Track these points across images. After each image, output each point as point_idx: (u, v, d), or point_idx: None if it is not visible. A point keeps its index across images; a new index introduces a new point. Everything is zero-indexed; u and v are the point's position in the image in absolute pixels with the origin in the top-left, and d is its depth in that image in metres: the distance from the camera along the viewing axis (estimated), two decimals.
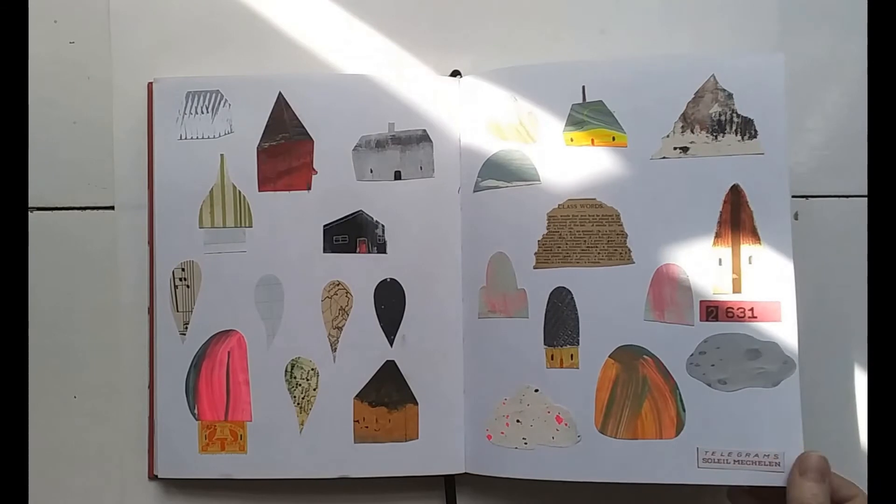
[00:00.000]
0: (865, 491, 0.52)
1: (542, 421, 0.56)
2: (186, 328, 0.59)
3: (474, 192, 0.59)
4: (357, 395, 0.59)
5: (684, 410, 0.56)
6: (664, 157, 0.57)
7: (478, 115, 0.59)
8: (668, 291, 0.56)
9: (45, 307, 0.61)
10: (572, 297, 0.56)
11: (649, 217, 0.56)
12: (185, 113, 0.60)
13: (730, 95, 0.57)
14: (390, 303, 0.59)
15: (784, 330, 0.55)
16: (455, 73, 0.61)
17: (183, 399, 0.59)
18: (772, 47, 0.62)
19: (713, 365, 0.55)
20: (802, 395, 0.54)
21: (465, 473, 0.58)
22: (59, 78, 0.62)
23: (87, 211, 0.62)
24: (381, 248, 0.59)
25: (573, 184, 0.57)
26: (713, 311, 0.56)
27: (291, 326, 0.59)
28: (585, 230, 0.56)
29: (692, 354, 0.56)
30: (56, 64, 0.62)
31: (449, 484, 0.60)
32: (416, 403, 0.59)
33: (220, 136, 0.60)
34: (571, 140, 0.57)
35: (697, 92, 0.57)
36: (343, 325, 0.59)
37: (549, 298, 0.56)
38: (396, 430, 0.59)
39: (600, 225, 0.57)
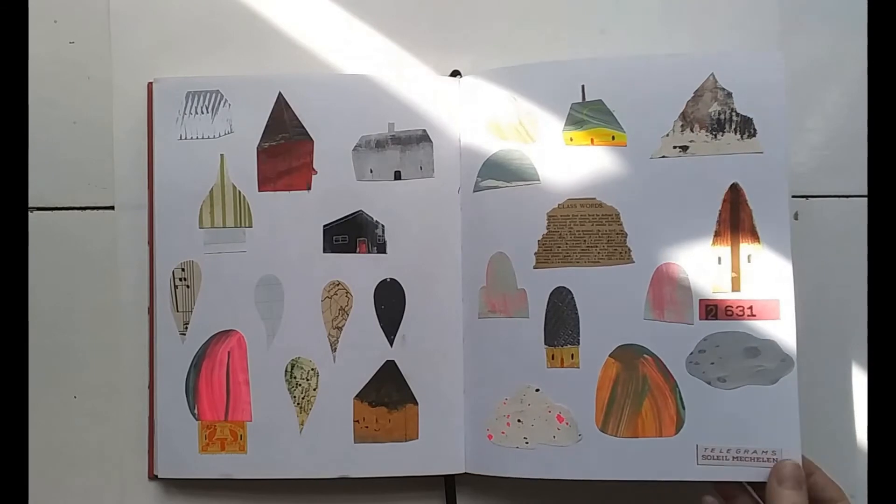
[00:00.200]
0: (864, 489, 0.52)
1: (543, 420, 0.56)
2: (186, 328, 0.59)
3: (474, 192, 0.59)
4: (357, 395, 0.59)
5: (684, 408, 0.56)
6: (664, 156, 0.57)
7: (478, 115, 0.59)
8: (667, 290, 0.56)
9: (45, 307, 0.61)
10: (572, 297, 0.56)
11: (649, 216, 0.56)
12: (185, 113, 0.60)
13: (729, 94, 0.57)
14: (390, 303, 0.59)
15: (782, 328, 0.55)
16: (455, 73, 0.61)
17: (183, 399, 0.59)
18: (772, 47, 0.62)
19: (713, 363, 0.56)
20: (802, 393, 0.54)
21: (465, 473, 0.58)
22: (59, 78, 0.62)
23: (87, 211, 0.62)
24: (381, 248, 0.59)
25: (573, 183, 0.57)
26: (712, 309, 0.56)
27: (291, 326, 0.59)
28: (585, 230, 0.57)
29: (692, 353, 0.56)
30: (56, 64, 0.62)
31: (449, 484, 0.60)
32: (416, 403, 0.59)
33: (220, 136, 0.60)
34: (571, 139, 0.57)
35: (697, 91, 0.57)
36: (343, 325, 0.59)
37: (550, 298, 0.56)
38: (396, 430, 0.59)
39: (600, 224, 0.57)
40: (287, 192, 0.60)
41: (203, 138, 0.60)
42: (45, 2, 0.62)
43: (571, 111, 0.57)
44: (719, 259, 0.56)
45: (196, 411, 0.59)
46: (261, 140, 0.60)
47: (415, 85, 0.60)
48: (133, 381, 0.61)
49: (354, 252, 0.59)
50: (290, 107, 0.60)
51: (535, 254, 0.57)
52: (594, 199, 0.57)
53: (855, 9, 0.60)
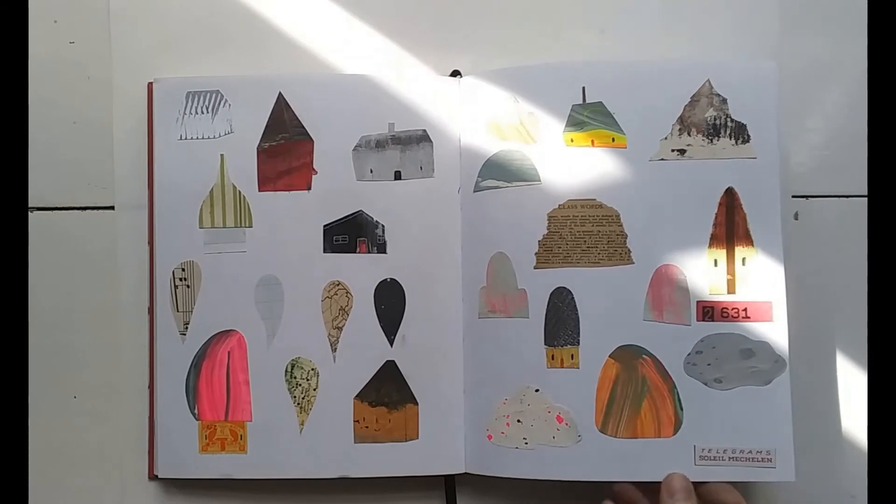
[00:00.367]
0: (864, 490, 0.52)
1: (543, 421, 0.56)
2: (186, 328, 0.59)
3: (474, 192, 0.59)
4: (357, 395, 0.59)
5: (682, 409, 0.56)
6: (662, 159, 0.57)
7: (478, 115, 0.59)
8: (666, 292, 0.57)
9: (45, 307, 0.61)
10: (573, 297, 0.56)
11: (648, 218, 0.57)
12: (185, 113, 0.60)
13: (724, 100, 0.57)
14: (390, 303, 0.59)
15: (775, 330, 0.56)
16: (455, 73, 0.61)
17: (183, 399, 0.59)
18: (772, 47, 0.62)
19: (709, 364, 0.56)
20: (803, 392, 0.55)
21: (465, 473, 0.58)
22: (59, 78, 0.62)
23: (87, 211, 0.62)
24: (381, 248, 0.59)
25: (573, 184, 0.57)
26: (709, 311, 0.57)
27: (291, 326, 0.59)
28: (586, 230, 0.57)
29: (689, 354, 0.56)
30: (56, 64, 0.62)
31: (449, 484, 0.60)
32: (416, 403, 0.59)
33: (220, 136, 0.60)
34: (572, 141, 0.57)
35: (693, 96, 0.57)
36: (343, 325, 0.59)
37: (550, 298, 0.57)
38: (396, 430, 0.59)
39: (600, 225, 0.57)
40: (287, 192, 0.60)
41: (203, 138, 0.60)
42: (45, 2, 0.62)
43: (572, 113, 0.57)
44: (715, 261, 0.57)
45: (196, 411, 0.59)
46: (261, 140, 0.60)
47: (415, 85, 0.60)
48: (133, 381, 0.61)
49: (354, 252, 0.59)
50: (290, 107, 0.60)
51: (536, 254, 0.57)
52: (594, 199, 0.57)
53: (855, 9, 0.60)
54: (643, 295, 0.56)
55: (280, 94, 0.60)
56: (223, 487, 0.60)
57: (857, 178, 0.60)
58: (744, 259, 0.57)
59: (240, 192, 0.60)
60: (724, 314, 0.56)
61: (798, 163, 0.61)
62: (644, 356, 0.56)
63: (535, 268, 0.57)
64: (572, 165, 0.57)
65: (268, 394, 0.59)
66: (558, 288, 0.57)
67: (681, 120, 0.57)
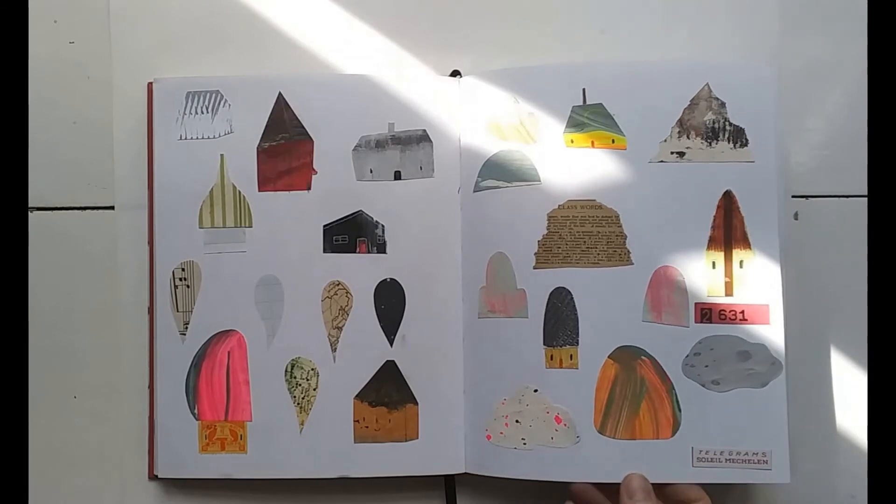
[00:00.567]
0: (864, 490, 0.52)
1: (542, 421, 0.56)
2: (186, 328, 0.59)
3: (474, 192, 0.59)
4: (357, 395, 0.59)
5: (680, 411, 0.56)
6: (662, 161, 0.57)
7: (478, 115, 0.59)
8: (665, 293, 0.57)
9: (45, 307, 0.61)
10: (572, 298, 0.56)
11: (648, 219, 0.57)
12: (185, 113, 0.60)
13: (723, 104, 0.57)
14: (390, 303, 0.59)
15: (772, 332, 0.56)
16: (455, 73, 0.61)
17: (183, 399, 0.59)
18: (772, 47, 0.62)
19: (707, 366, 0.56)
20: (803, 393, 0.55)
21: (465, 473, 0.58)
22: (59, 78, 0.62)
23: (87, 211, 0.62)
24: (381, 248, 0.59)
25: (573, 185, 0.57)
26: (707, 313, 0.57)
27: (291, 326, 0.59)
28: (585, 231, 0.57)
29: (687, 355, 0.56)
30: (56, 64, 0.62)
31: (449, 484, 0.60)
32: (416, 403, 0.59)
33: (220, 136, 0.60)
34: (572, 141, 0.57)
35: (693, 99, 0.58)
36: (343, 325, 0.59)
37: (549, 299, 0.57)
38: (396, 430, 0.59)
39: (600, 226, 0.57)
40: (287, 192, 0.60)
41: (203, 138, 0.60)
42: (45, 2, 0.62)
43: (572, 114, 0.58)
44: (714, 263, 0.57)
45: (196, 411, 0.59)
46: (261, 140, 0.60)
47: (415, 85, 0.60)
48: (133, 381, 0.61)
49: (354, 252, 0.59)
50: (290, 107, 0.60)
51: (535, 254, 0.57)
52: (594, 200, 0.57)
53: (855, 9, 0.60)
54: (642, 296, 0.56)
55: (280, 94, 0.60)
56: (223, 487, 0.60)
57: (857, 178, 0.60)
58: (741, 262, 0.57)
59: (240, 192, 0.60)
60: (722, 316, 0.57)
61: (798, 163, 0.61)
62: (643, 357, 0.56)
63: (535, 268, 0.57)
64: (572, 166, 0.57)
65: (268, 394, 0.59)
66: (557, 288, 0.57)
67: (680, 123, 0.57)
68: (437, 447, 0.59)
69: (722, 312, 0.57)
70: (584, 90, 0.58)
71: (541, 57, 0.60)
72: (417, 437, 0.59)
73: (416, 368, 0.59)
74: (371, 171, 0.60)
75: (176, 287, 0.59)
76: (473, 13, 0.63)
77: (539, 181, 0.57)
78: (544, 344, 0.56)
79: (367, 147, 0.60)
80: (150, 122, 0.60)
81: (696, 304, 0.57)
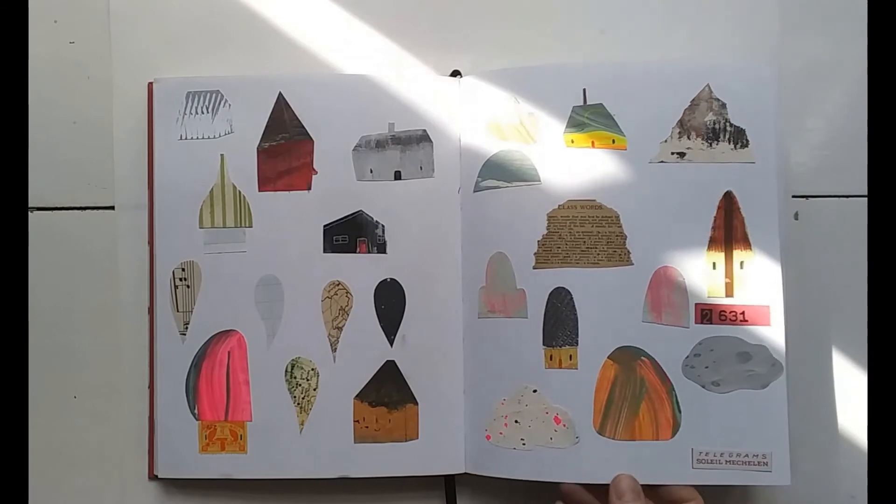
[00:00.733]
0: (864, 490, 0.52)
1: (541, 422, 0.56)
2: (186, 328, 0.59)
3: (474, 192, 0.59)
4: (357, 395, 0.59)
5: (680, 412, 0.56)
6: (662, 161, 0.57)
7: (478, 115, 0.59)
8: (665, 293, 0.57)
9: (45, 307, 0.61)
10: (571, 298, 0.56)
11: (648, 219, 0.57)
12: (185, 113, 0.60)
13: (723, 105, 0.57)
14: (390, 303, 0.59)
15: (773, 333, 0.56)
16: (455, 73, 0.61)
17: (183, 399, 0.59)
18: (772, 47, 0.62)
19: (707, 367, 0.56)
20: (802, 393, 0.55)
21: (465, 473, 0.58)
22: (59, 78, 0.62)
23: (87, 211, 0.62)
24: (381, 248, 0.59)
25: (573, 185, 0.57)
26: (707, 313, 0.57)
27: (291, 326, 0.59)
28: (585, 231, 0.57)
29: (687, 356, 0.56)
30: (56, 64, 0.62)
31: (449, 484, 0.60)
32: (416, 403, 0.59)
33: (220, 136, 0.60)
34: (572, 142, 0.57)
35: (693, 100, 0.58)
36: (343, 325, 0.59)
37: (549, 299, 0.56)
38: (396, 430, 0.59)
39: (600, 226, 0.57)
40: (287, 192, 0.60)
41: (203, 138, 0.60)
42: (45, 2, 0.62)
43: (573, 114, 0.57)
44: (714, 264, 0.57)
45: (196, 411, 0.59)
46: (261, 140, 0.60)
47: (415, 85, 0.60)
48: (133, 381, 0.61)
49: (354, 252, 0.59)
50: (290, 107, 0.60)
51: (535, 254, 0.57)
52: (594, 200, 0.57)
53: (855, 9, 0.60)
54: (642, 296, 0.56)
55: (280, 94, 0.60)
56: (223, 487, 0.60)
57: (857, 178, 0.60)
58: (742, 262, 0.57)
59: (240, 192, 0.60)
60: (723, 317, 0.56)
61: (798, 163, 0.61)
62: (643, 357, 0.56)
63: (535, 268, 0.57)
64: (572, 166, 0.57)
65: (268, 394, 0.59)
66: (557, 288, 0.56)
67: (680, 123, 0.57)
68: (437, 447, 0.59)
69: (722, 313, 0.56)
70: (584, 90, 0.58)
71: (541, 57, 0.60)
72: (417, 437, 0.59)
73: (416, 368, 0.59)
74: (371, 171, 0.60)
75: (176, 287, 0.59)
76: (473, 13, 0.63)
77: (539, 181, 0.57)
78: (544, 344, 0.56)
79: (368, 147, 0.60)
80: (150, 122, 0.60)
81: (696, 304, 0.57)
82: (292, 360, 0.59)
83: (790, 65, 0.57)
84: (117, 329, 0.61)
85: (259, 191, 0.60)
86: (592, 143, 0.57)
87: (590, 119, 0.57)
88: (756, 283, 0.56)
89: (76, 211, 0.62)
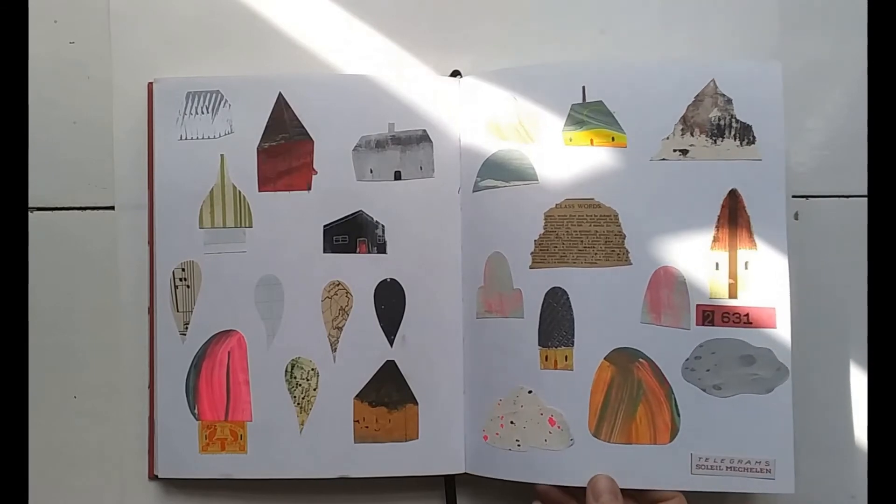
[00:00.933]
0: (864, 491, 0.52)
1: (535, 423, 0.56)
2: (186, 328, 0.59)
3: (473, 192, 0.58)
4: (357, 395, 0.59)
5: (679, 416, 0.55)
6: (664, 159, 0.57)
7: (478, 115, 0.59)
8: (665, 294, 0.56)
9: (45, 307, 0.61)
10: (568, 298, 0.56)
11: (648, 218, 0.56)
12: (185, 113, 0.60)
13: (729, 101, 0.57)
14: (390, 303, 0.59)
15: (779, 337, 0.55)
16: (455, 73, 0.61)
17: (183, 399, 0.59)
18: (772, 47, 0.62)
19: (708, 370, 0.55)
20: (801, 393, 0.54)
21: (465, 473, 0.58)
22: (59, 78, 0.62)
23: (87, 211, 0.62)
24: (381, 248, 0.59)
25: (571, 183, 0.57)
26: (709, 315, 0.56)
27: (291, 326, 0.59)
28: (583, 230, 0.56)
29: (688, 359, 0.56)
30: (56, 64, 0.62)
31: (449, 484, 0.60)
32: (416, 403, 0.59)
33: (220, 136, 0.60)
34: (570, 140, 0.57)
35: (697, 96, 0.57)
36: (343, 325, 0.59)
37: (545, 299, 0.56)
38: (396, 430, 0.59)
39: (598, 225, 0.56)
40: (287, 192, 0.60)
41: (203, 138, 0.60)
42: (45, 2, 0.62)
43: (572, 112, 0.57)
44: (717, 264, 0.56)
45: (196, 411, 0.59)
46: (261, 140, 0.60)
47: (415, 85, 0.60)
48: (133, 381, 0.61)
49: (354, 252, 0.59)
50: (290, 107, 0.60)
51: (532, 254, 0.57)
52: (592, 199, 0.57)
53: (855, 9, 0.59)
54: (641, 297, 0.56)
55: (280, 94, 0.60)
56: (223, 487, 0.60)
57: (857, 178, 0.60)
58: (746, 263, 0.56)
59: (240, 192, 0.60)
60: (725, 319, 0.56)
61: (798, 163, 0.61)
62: (640, 360, 0.56)
63: (531, 267, 0.57)
64: (571, 164, 0.57)
65: (268, 394, 0.59)
66: (553, 288, 0.56)
67: (684, 120, 0.57)
68: (437, 447, 0.59)
69: (725, 315, 0.56)
70: (583, 88, 0.57)
71: (541, 57, 0.61)
72: (417, 437, 0.59)
73: (416, 368, 0.59)
74: (371, 171, 0.60)
75: (176, 287, 0.59)
76: (473, 13, 0.63)
77: (537, 180, 0.57)
78: (539, 344, 0.56)
79: (368, 147, 0.60)
80: (150, 122, 0.60)
81: (697, 305, 0.56)
82: (292, 360, 0.59)
83: (790, 65, 0.57)
84: (117, 329, 0.61)
85: (259, 191, 0.60)
86: (591, 140, 0.57)
87: (589, 117, 0.57)
88: (761, 284, 0.56)
89: (76, 211, 0.62)
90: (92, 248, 0.62)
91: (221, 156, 0.60)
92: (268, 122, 0.60)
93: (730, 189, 0.56)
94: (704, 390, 0.55)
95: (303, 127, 0.60)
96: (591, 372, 0.56)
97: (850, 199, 0.61)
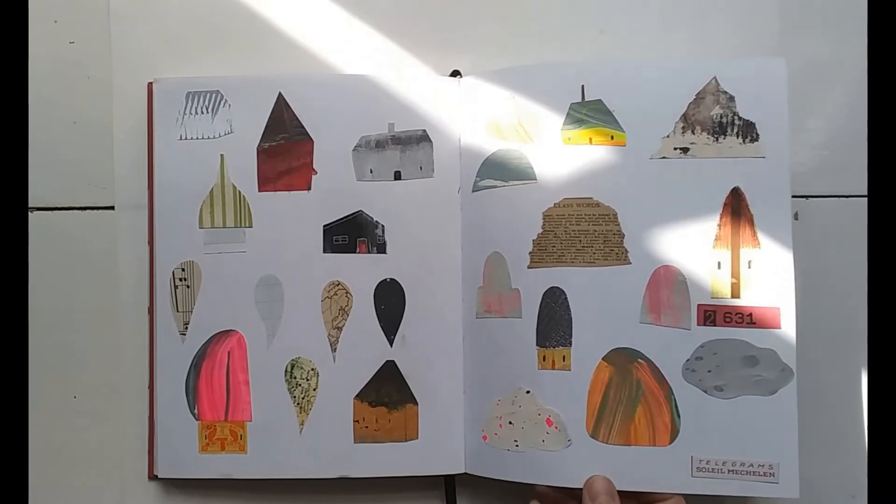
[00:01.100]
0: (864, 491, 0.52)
1: (533, 423, 0.56)
2: (186, 328, 0.59)
3: (473, 191, 0.58)
4: (357, 395, 0.59)
5: (679, 417, 0.55)
6: (664, 157, 0.56)
7: (477, 115, 0.59)
8: (665, 294, 0.56)
9: (45, 307, 0.61)
10: (566, 298, 0.56)
11: (648, 217, 0.56)
12: (185, 113, 0.60)
13: (731, 98, 0.56)
14: (390, 303, 0.59)
15: (783, 337, 0.55)
16: (455, 73, 0.61)
17: (183, 399, 0.59)
18: (772, 47, 0.61)
19: (710, 371, 0.55)
20: (802, 394, 0.54)
21: (465, 473, 0.58)
22: (59, 78, 0.62)
23: (87, 211, 0.62)
24: (381, 248, 0.59)
25: (570, 182, 0.56)
26: (711, 315, 0.55)
27: (291, 326, 0.59)
28: (581, 229, 0.56)
29: (688, 360, 0.55)
30: (56, 64, 0.62)
31: (449, 484, 0.60)
32: (416, 403, 0.59)
33: (220, 136, 0.60)
34: (569, 139, 0.57)
35: (699, 93, 0.56)
36: (343, 325, 0.59)
37: (543, 298, 0.56)
38: (396, 430, 0.59)
39: (597, 224, 0.56)
40: (287, 192, 0.60)
41: (203, 138, 0.60)
42: (45, 2, 0.62)
43: (570, 111, 0.57)
44: (719, 263, 0.56)
45: (196, 411, 0.59)
46: (261, 140, 0.60)
47: (415, 85, 0.60)
48: (133, 381, 0.61)
49: (354, 252, 0.59)
50: (290, 107, 0.60)
51: (530, 253, 0.56)
52: (591, 198, 0.56)
53: (855, 9, 0.59)
54: (640, 296, 0.55)
55: (280, 94, 0.60)
56: (223, 487, 0.60)
57: (857, 178, 0.60)
58: (750, 262, 0.55)
59: (240, 192, 0.60)
60: (728, 319, 0.55)
61: (798, 163, 0.61)
62: (639, 360, 0.55)
63: (529, 267, 0.56)
64: (569, 164, 0.57)
65: (268, 394, 0.59)
66: (551, 288, 0.56)
67: (684, 117, 0.56)
68: (437, 447, 0.59)
69: (727, 315, 0.55)
70: (582, 87, 0.57)
71: (541, 57, 0.61)
72: (417, 437, 0.59)
73: (415, 368, 0.59)
74: (371, 171, 0.60)
75: (176, 287, 0.59)
76: (473, 13, 0.63)
77: (535, 180, 0.57)
78: (537, 345, 0.56)
79: (367, 147, 0.60)
80: (150, 122, 0.60)
81: (698, 305, 0.55)
82: (292, 360, 0.59)
83: (790, 65, 0.57)
84: (117, 329, 0.61)
85: (259, 191, 0.60)
86: (590, 139, 0.57)
87: (588, 115, 0.57)
88: (765, 284, 0.55)
89: (76, 211, 0.62)
90: (92, 248, 0.62)
91: (221, 156, 0.60)
92: (268, 122, 0.60)
93: (732, 187, 0.56)
94: (706, 391, 0.55)
95: (303, 127, 0.60)
96: (589, 372, 0.55)
97: (850, 199, 0.61)
